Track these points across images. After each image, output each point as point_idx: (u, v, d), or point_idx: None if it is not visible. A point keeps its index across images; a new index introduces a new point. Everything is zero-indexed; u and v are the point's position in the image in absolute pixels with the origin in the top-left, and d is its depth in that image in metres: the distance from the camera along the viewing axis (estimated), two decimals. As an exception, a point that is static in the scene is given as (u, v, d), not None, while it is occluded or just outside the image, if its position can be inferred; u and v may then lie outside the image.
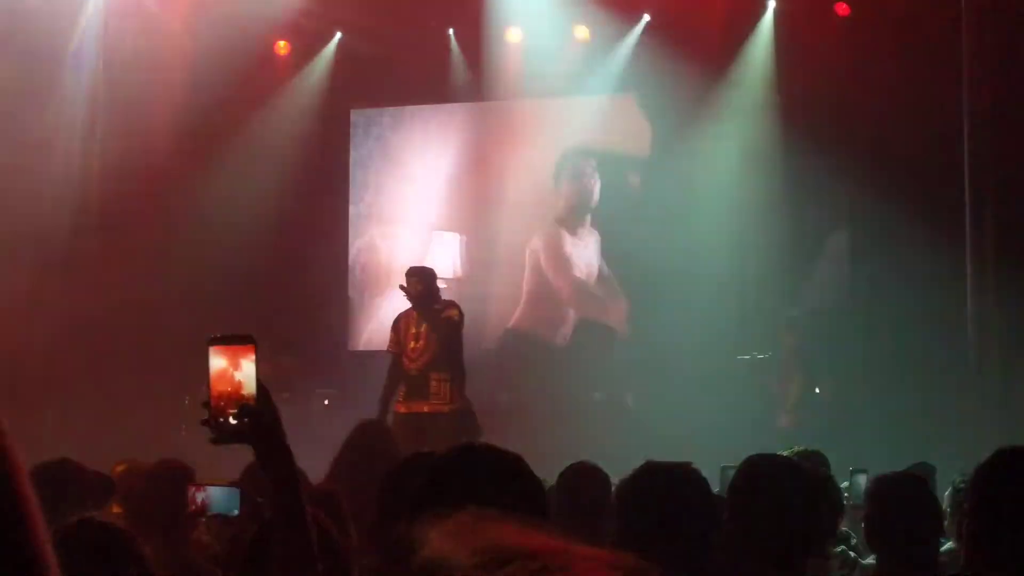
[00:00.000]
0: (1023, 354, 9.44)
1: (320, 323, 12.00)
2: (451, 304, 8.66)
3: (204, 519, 3.82)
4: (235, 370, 2.18)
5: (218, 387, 2.18)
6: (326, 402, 10.79)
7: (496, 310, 12.09)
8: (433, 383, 8.31)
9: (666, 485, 2.52)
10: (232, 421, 2.16)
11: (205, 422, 2.17)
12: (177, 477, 4.08)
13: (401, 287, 8.58)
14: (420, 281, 8.61)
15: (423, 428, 8.10)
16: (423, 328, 8.50)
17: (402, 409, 8.38)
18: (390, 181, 12.65)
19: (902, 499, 3.21)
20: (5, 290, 10.18)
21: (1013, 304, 9.50)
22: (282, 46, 12.31)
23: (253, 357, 2.20)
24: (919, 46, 10.24)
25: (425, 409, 8.31)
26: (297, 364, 11.15)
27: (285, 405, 9.17)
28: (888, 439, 8.51)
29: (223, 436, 2.18)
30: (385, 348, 8.86)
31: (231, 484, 3.73)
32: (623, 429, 9.64)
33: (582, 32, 11.80)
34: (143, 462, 4.91)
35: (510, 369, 11.43)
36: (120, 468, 5.05)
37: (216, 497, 3.53)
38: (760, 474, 2.80)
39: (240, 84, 11.63)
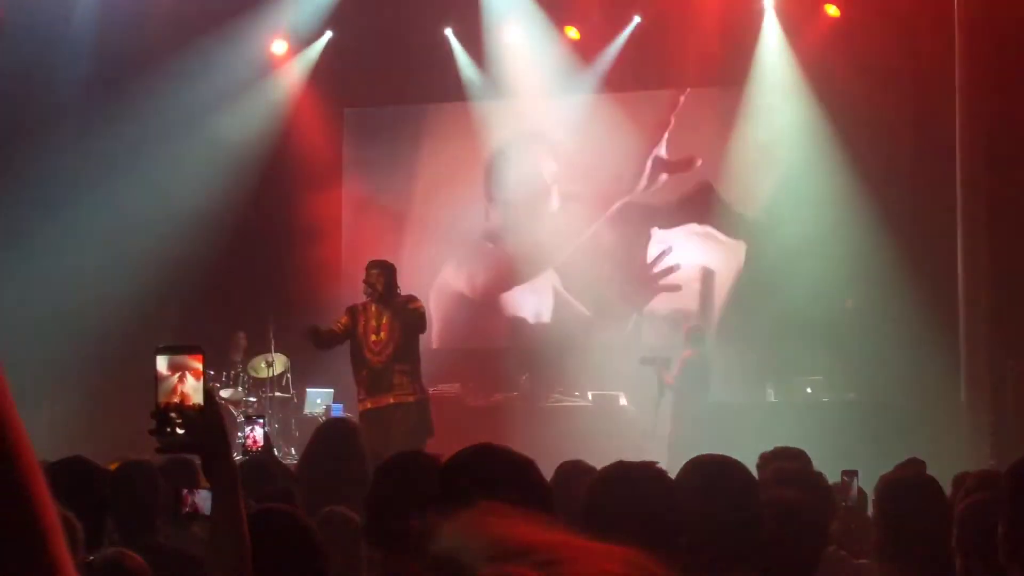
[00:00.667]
0: (1014, 354, 9.48)
1: (312, 322, 11.98)
2: (412, 297, 8.67)
3: (197, 520, 3.84)
4: (183, 380, 2.20)
5: (165, 396, 2.19)
6: (319, 400, 10.79)
7: (495, 310, 12.13)
8: (396, 375, 8.27)
9: (631, 485, 2.53)
10: (179, 431, 2.18)
11: (152, 431, 2.19)
12: (177, 472, 4.13)
13: (364, 282, 8.55)
14: (382, 273, 8.59)
15: (389, 420, 8.04)
16: (384, 320, 8.46)
17: (369, 405, 8.35)
18: (383, 180, 12.66)
19: (915, 501, 3.18)
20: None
21: (1004, 300, 9.54)
22: (279, 45, 12.30)
23: (201, 367, 2.21)
24: (912, 43, 10.29)
25: (391, 400, 8.29)
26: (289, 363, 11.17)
27: (280, 405, 9.12)
28: (873, 440, 8.52)
29: (170, 446, 2.21)
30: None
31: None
32: (616, 428, 9.67)
33: (573, 32, 11.88)
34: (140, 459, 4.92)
35: (508, 367, 11.47)
36: (115, 466, 5.06)
37: (208, 499, 3.55)
38: (696, 474, 2.80)
39: (235, 84, 11.66)
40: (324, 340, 8.57)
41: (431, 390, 10.74)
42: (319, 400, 10.72)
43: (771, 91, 11.26)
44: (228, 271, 11.57)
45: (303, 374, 11.09)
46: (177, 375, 2.20)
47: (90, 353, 10.68)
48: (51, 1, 10.93)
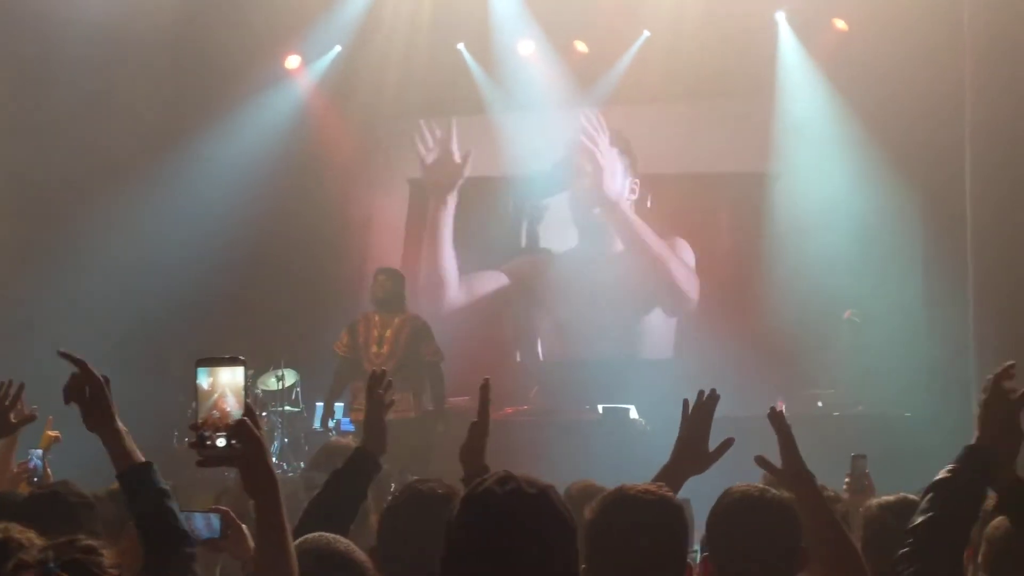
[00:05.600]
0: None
1: (321, 337, 11.97)
2: (416, 315, 8.59)
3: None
4: (224, 392, 2.18)
5: (206, 409, 2.18)
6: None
7: (504, 322, 12.13)
8: (396, 392, 8.17)
9: (632, 512, 2.43)
10: (220, 443, 2.17)
11: (193, 444, 2.18)
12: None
13: (371, 289, 8.43)
14: (389, 279, 8.50)
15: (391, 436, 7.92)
16: (388, 333, 8.37)
17: (363, 417, 8.32)
18: (396, 192, 12.69)
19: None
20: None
21: (1016, 310, 9.49)
22: (292, 60, 12.33)
23: (242, 379, 2.20)
24: (921, 54, 10.29)
25: (391, 417, 8.22)
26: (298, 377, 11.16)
27: (289, 419, 9.08)
28: (884, 453, 8.46)
29: (210, 459, 2.19)
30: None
31: (212, 509, 3.70)
32: (627, 441, 9.64)
33: (582, 45, 11.93)
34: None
35: (518, 380, 11.46)
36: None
37: (200, 523, 3.51)
38: (733, 511, 2.76)
39: (249, 98, 11.71)
40: (338, 392, 8.60)
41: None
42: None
43: (797, 101, 11.27)
44: (241, 286, 11.60)
45: (313, 388, 11.08)
46: (217, 387, 2.19)
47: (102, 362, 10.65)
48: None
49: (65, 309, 10.53)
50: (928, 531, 2.65)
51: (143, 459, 2.55)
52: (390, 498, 2.97)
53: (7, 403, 4.19)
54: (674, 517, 2.45)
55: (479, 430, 3.24)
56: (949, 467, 2.77)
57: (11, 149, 10.53)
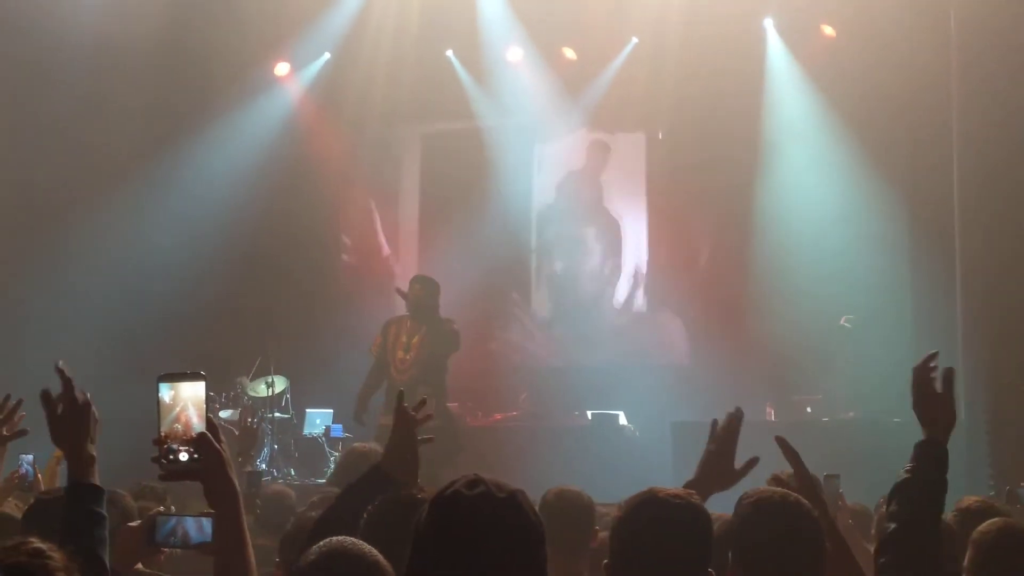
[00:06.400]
0: (1013, 373, 9.48)
1: (311, 344, 11.97)
2: (450, 320, 8.59)
3: (183, 550, 3.79)
4: (186, 407, 2.22)
5: (168, 423, 2.21)
6: (319, 421, 10.76)
7: (495, 329, 12.14)
8: (419, 397, 8.14)
9: (662, 520, 2.43)
10: (182, 458, 2.20)
11: (155, 459, 2.21)
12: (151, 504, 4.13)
13: (398, 290, 8.46)
14: (423, 288, 8.50)
15: None
16: (415, 339, 8.38)
17: (387, 422, 8.33)
18: (387, 198, 12.71)
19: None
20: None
21: (1002, 319, 9.54)
22: (282, 67, 12.33)
23: (203, 394, 2.23)
24: (907, 63, 10.34)
25: None
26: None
27: (279, 425, 9.06)
28: (873, 459, 8.50)
29: (173, 472, 2.23)
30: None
31: (204, 513, 3.69)
32: (616, 447, 9.66)
33: (571, 52, 11.97)
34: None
35: (508, 386, 11.47)
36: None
37: (192, 527, 3.52)
38: (758, 516, 2.71)
39: (241, 103, 11.71)
40: (371, 389, 8.53)
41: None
42: (318, 420, 10.69)
43: (786, 108, 11.31)
44: (233, 291, 11.58)
45: (302, 395, 11.08)
46: (179, 402, 2.22)
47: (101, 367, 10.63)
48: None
49: (60, 311, 10.53)
50: (904, 534, 2.69)
51: (98, 484, 2.53)
52: (369, 507, 2.98)
53: (2, 416, 4.21)
54: (700, 522, 2.47)
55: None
56: (907, 467, 2.81)
57: (7, 152, 10.52)
